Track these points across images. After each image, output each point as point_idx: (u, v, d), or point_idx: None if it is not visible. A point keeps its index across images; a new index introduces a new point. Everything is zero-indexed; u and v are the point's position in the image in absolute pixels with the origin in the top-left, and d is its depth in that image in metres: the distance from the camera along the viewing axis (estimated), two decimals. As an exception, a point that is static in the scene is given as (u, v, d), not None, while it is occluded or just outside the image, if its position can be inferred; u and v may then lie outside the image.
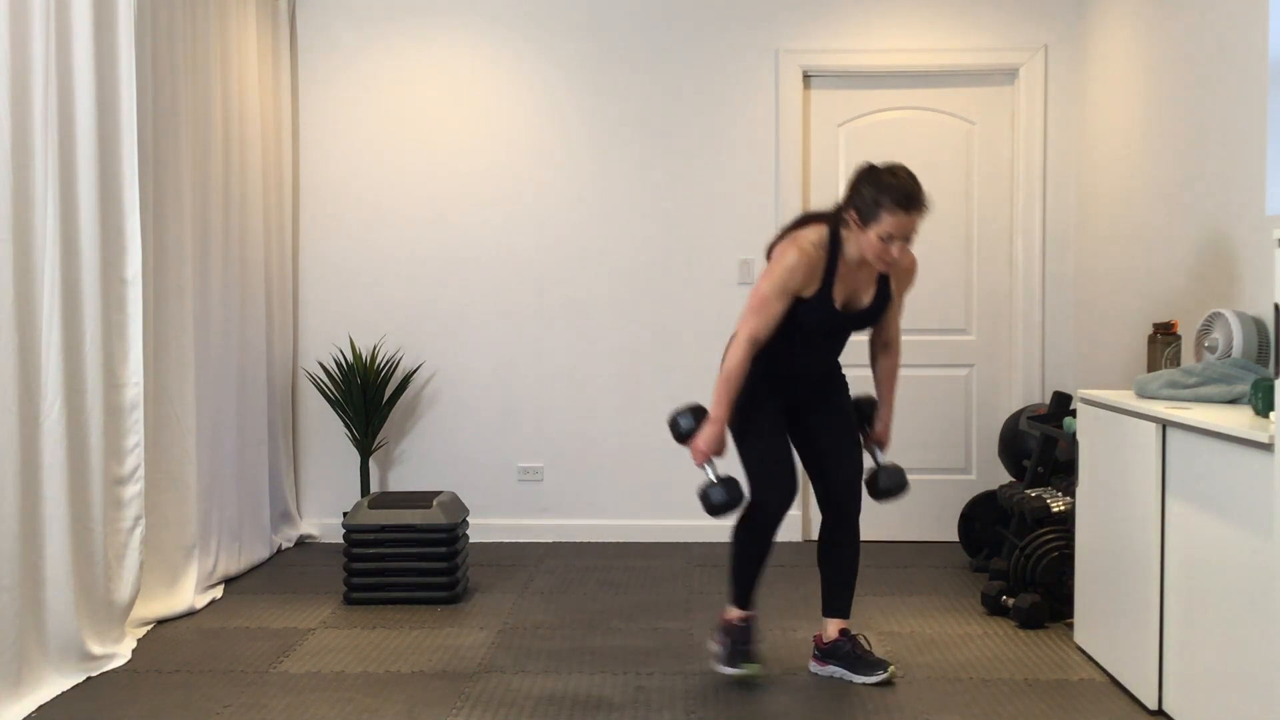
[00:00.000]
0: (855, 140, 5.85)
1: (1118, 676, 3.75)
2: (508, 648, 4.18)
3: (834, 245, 3.65)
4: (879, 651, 4.01)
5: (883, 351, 3.99)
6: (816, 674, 3.88)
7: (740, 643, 3.82)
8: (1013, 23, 5.76)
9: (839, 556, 3.97)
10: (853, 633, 3.90)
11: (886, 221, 3.53)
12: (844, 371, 4.01)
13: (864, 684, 3.78)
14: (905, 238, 3.57)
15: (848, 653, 3.85)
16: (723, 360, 3.72)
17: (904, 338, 5.76)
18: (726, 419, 3.70)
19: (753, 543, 3.84)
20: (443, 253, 5.90)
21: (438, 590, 4.75)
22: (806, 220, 3.77)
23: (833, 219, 3.68)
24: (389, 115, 5.90)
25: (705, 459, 3.69)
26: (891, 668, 3.80)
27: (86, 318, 3.97)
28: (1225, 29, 4.17)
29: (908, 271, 3.84)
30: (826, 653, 3.88)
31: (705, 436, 3.69)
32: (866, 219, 3.56)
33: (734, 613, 3.87)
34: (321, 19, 5.91)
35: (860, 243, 3.61)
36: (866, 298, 3.75)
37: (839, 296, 3.70)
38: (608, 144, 5.86)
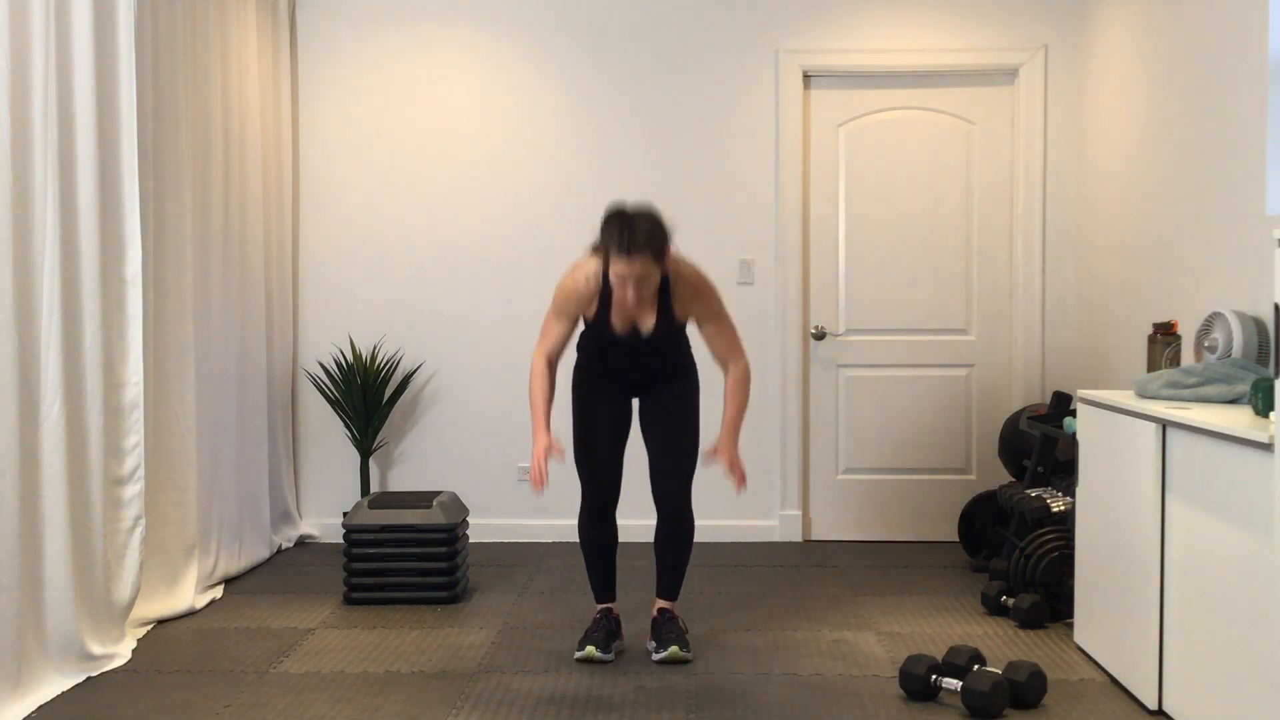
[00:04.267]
0: (855, 140, 5.85)
1: (1118, 676, 3.75)
2: (508, 648, 4.18)
3: (606, 275, 3.84)
4: (890, 655, 4.00)
5: (724, 370, 4.04)
6: (646, 648, 4.08)
7: (591, 630, 4.06)
8: (1013, 23, 5.76)
9: (663, 544, 4.11)
10: (671, 613, 4.08)
11: (614, 266, 3.75)
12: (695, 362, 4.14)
13: (654, 658, 3.98)
14: (638, 279, 3.73)
15: (657, 626, 4.06)
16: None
17: (903, 337, 5.87)
18: (541, 428, 3.89)
19: (582, 533, 4.13)
20: (443, 252, 5.90)
21: (438, 590, 4.75)
22: (595, 247, 3.92)
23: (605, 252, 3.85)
24: (389, 115, 5.90)
25: (535, 468, 3.84)
26: (673, 649, 3.94)
27: (86, 318, 3.97)
28: (1225, 29, 4.17)
29: (692, 294, 3.92)
30: (651, 629, 4.10)
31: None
32: (606, 259, 3.80)
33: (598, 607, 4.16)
34: (321, 19, 5.91)
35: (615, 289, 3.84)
36: (648, 322, 3.91)
37: (616, 321, 3.91)
38: (608, 143, 5.86)
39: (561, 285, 3.96)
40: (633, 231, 3.71)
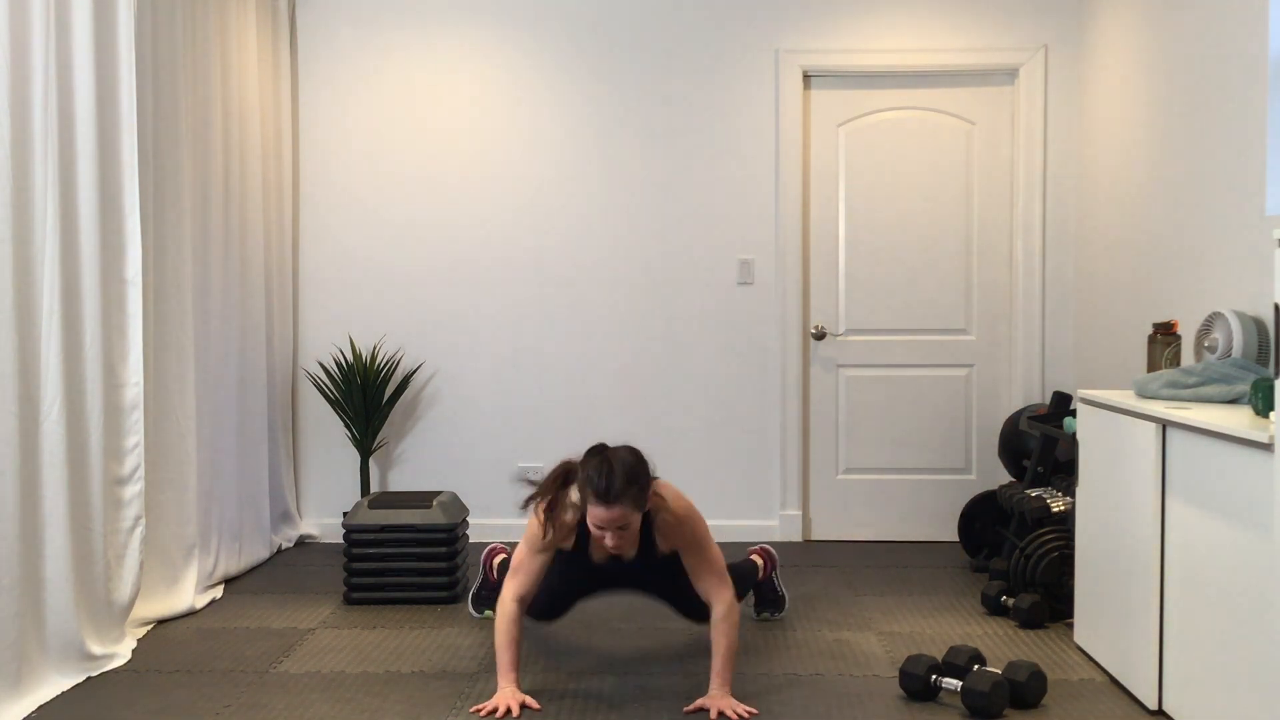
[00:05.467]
0: (855, 140, 5.85)
1: (1118, 676, 3.75)
2: (508, 648, 4.18)
3: (584, 515, 3.58)
4: (890, 655, 4.00)
5: (708, 603, 3.68)
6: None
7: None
8: (1013, 23, 5.76)
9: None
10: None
11: (592, 511, 3.50)
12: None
13: None
14: (617, 527, 3.49)
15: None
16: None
17: (903, 337, 5.87)
18: (507, 680, 3.59)
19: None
20: (443, 252, 5.90)
21: (438, 590, 4.75)
22: (569, 475, 3.64)
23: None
24: (389, 115, 5.90)
25: (494, 710, 3.54)
26: None
27: (86, 318, 3.97)
28: (1225, 29, 4.17)
29: (675, 523, 3.66)
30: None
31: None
32: (584, 503, 3.54)
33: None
34: (321, 19, 5.91)
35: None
36: (629, 555, 3.69)
37: (596, 554, 3.72)
38: (608, 143, 5.86)
39: (531, 524, 3.67)
40: (611, 478, 3.44)
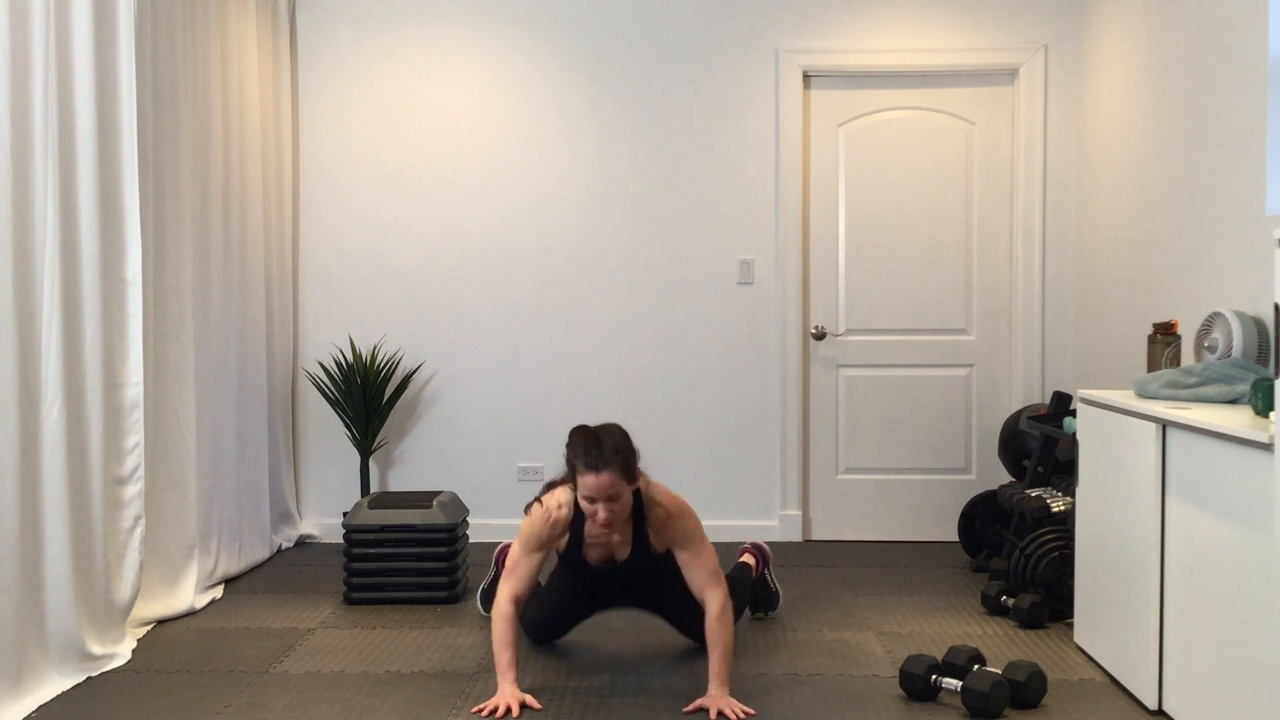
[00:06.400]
0: (855, 140, 5.85)
1: (1118, 676, 3.75)
2: (508, 648, 4.18)
3: (579, 508, 3.66)
4: (890, 655, 4.00)
5: (701, 602, 3.68)
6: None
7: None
8: (1013, 23, 5.76)
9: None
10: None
11: (580, 484, 3.56)
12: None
13: None
14: (607, 498, 3.53)
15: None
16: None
17: (903, 337, 5.87)
18: (507, 679, 3.58)
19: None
20: (443, 252, 5.90)
21: (438, 590, 4.75)
22: (555, 485, 3.77)
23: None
24: (389, 115, 5.90)
25: (494, 710, 3.52)
26: None
27: (86, 318, 3.97)
28: (1225, 29, 4.17)
29: (667, 517, 3.70)
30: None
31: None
32: (573, 483, 3.62)
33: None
34: (321, 19, 5.91)
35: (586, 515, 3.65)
36: (621, 553, 3.76)
37: (590, 554, 3.77)
38: (608, 143, 5.86)
39: (530, 516, 3.73)
40: (599, 446, 3.51)
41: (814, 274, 5.87)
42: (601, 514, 3.57)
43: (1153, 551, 3.47)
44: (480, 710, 3.53)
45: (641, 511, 3.71)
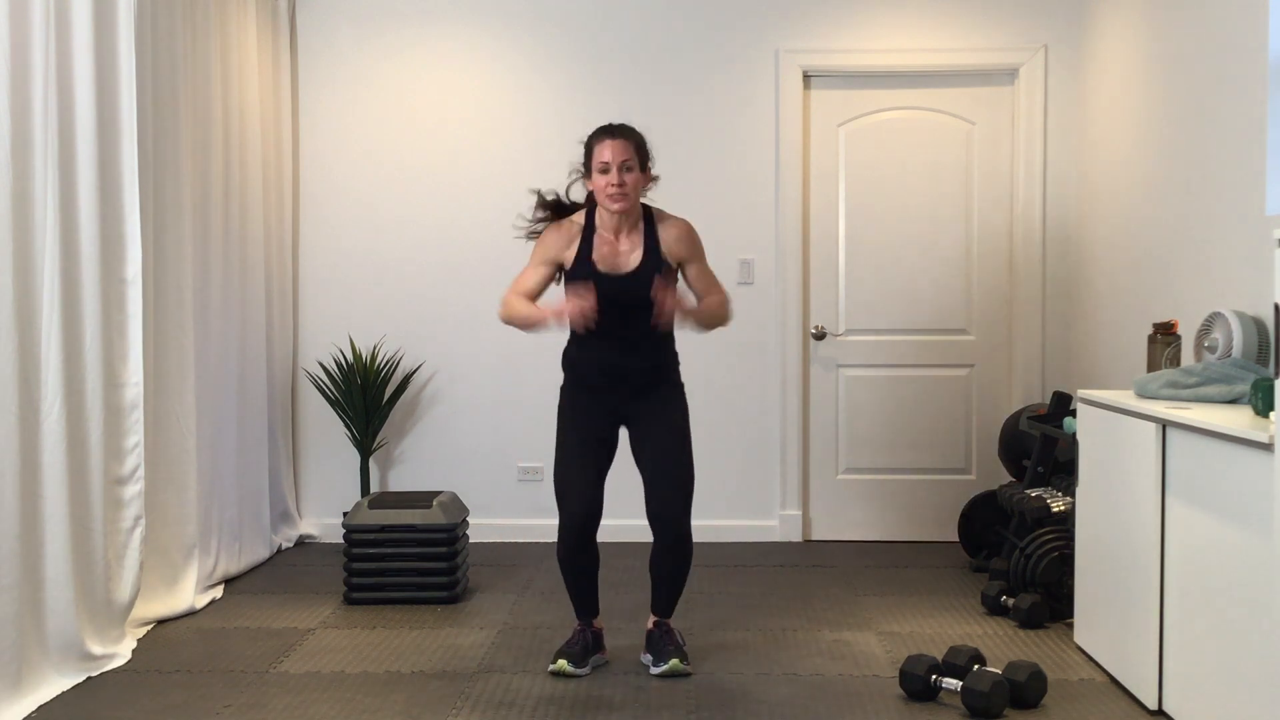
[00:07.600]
0: (855, 140, 5.85)
1: (1118, 676, 3.75)
2: (508, 648, 4.18)
3: (590, 219, 3.87)
4: (890, 655, 4.00)
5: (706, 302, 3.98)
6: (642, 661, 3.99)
7: (569, 644, 3.96)
8: (1013, 23, 5.76)
9: (658, 565, 4.00)
10: (667, 626, 3.99)
11: (596, 155, 3.76)
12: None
13: (653, 672, 3.89)
14: (620, 165, 3.73)
15: (654, 639, 3.96)
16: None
17: (903, 337, 5.87)
18: (546, 310, 3.79)
19: (563, 559, 3.96)
20: (443, 252, 5.90)
21: (438, 590, 4.75)
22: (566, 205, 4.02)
23: (590, 203, 3.90)
24: (389, 115, 5.90)
25: (577, 312, 3.68)
26: (673, 662, 3.85)
27: (86, 318, 3.97)
28: (1225, 28, 4.17)
29: (677, 233, 3.91)
30: (646, 642, 4.00)
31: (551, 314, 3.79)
32: (588, 168, 3.82)
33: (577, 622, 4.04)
34: (321, 19, 5.91)
35: (598, 200, 3.81)
36: (632, 260, 3.84)
37: (599, 260, 3.84)
38: (608, 144, 5.85)
39: (543, 234, 3.93)
40: (614, 123, 3.83)
41: (814, 274, 5.87)
42: (614, 179, 3.73)
43: (1153, 551, 3.47)
44: (560, 313, 3.66)
45: (651, 217, 3.90)
